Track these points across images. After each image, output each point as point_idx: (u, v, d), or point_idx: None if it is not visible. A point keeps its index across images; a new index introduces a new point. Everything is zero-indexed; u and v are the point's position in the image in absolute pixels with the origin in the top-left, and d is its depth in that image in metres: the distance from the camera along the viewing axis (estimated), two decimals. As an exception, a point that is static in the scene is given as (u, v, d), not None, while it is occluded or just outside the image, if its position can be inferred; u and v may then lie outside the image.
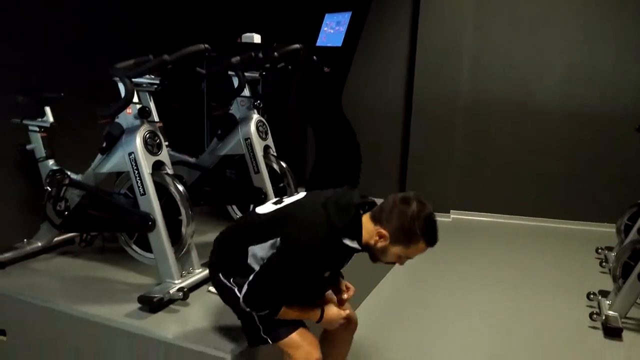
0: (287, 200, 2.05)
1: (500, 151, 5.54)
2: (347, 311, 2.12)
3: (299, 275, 1.88)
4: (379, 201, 1.96)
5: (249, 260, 1.97)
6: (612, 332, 3.19)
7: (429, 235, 1.82)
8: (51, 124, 2.93)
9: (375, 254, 1.91)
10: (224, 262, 2.07)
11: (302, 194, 2.09)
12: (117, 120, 2.67)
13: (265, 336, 1.99)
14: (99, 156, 2.78)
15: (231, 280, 2.01)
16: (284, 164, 3.38)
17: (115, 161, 2.71)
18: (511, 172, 5.55)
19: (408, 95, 5.58)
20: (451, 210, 5.69)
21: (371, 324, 3.16)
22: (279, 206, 2.02)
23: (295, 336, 1.97)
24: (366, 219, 1.89)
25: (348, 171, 4.00)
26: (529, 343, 3.14)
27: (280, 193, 3.34)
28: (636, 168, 5.01)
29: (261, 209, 2.06)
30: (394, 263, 1.93)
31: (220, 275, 2.05)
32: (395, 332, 3.21)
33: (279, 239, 1.89)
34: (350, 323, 2.25)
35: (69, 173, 2.84)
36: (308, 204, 1.98)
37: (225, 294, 2.05)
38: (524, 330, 3.29)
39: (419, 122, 5.51)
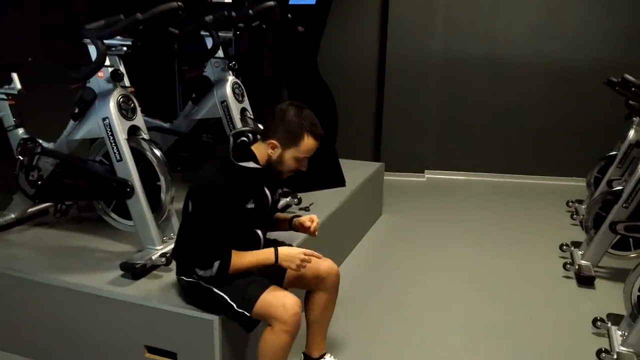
0: None
1: (473, 110, 5.59)
2: (306, 250, 2.12)
3: (221, 214, 1.96)
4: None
5: None
6: (585, 280, 3.31)
7: (312, 128, 2.01)
8: (19, 90, 2.80)
9: (276, 168, 2.06)
10: (182, 261, 2.14)
11: None
12: (88, 84, 2.58)
13: (241, 310, 1.99)
14: (72, 122, 2.69)
15: (193, 276, 2.06)
16: (261, 127, 3.32)
17: (88, 127, 2.63)
18: (483, 130, 5.62)
19: (382, 55, 5.55)
20: (425, 170, 5.75)
21: (352, 280, 3.21)
22: None
23: (266, 295, 1.98)
24: (257, 144, 2.06)
25: (325, 132, 3.98)
26: (505, 294, 3.24)
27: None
28: (605, 121, 5.11)
29: None
30: (295, 170, 2.08)
31: (184, 277, 2.11)
32: (376, 286, 3.27)
33: (190, 200, 2.03)
34: (331, 275, 2.27)
35: (40, 141, 2.75)
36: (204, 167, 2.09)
37: (194, 292, 2.11)
38: (500, 282, 3.39)
39: (392, 82, 5.50)
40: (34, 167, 2.72)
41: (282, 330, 1.93)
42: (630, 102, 3.55)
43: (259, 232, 2.17)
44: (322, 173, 3.89)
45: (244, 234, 2.11)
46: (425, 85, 5.51)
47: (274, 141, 2.00)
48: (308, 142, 2.01)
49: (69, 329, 2.41)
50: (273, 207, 2.25)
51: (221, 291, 2.02)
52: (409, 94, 5.50)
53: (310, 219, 2.27)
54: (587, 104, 5.32)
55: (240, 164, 2.01)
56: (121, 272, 2.43)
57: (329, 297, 2.30)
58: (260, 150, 2.05)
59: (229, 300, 2.00)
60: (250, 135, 2.11)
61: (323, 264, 2.25)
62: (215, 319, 2.10)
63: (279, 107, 2.03)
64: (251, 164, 2.02)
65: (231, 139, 2.04)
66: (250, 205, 2.08)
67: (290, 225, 2.32)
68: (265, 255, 2.04)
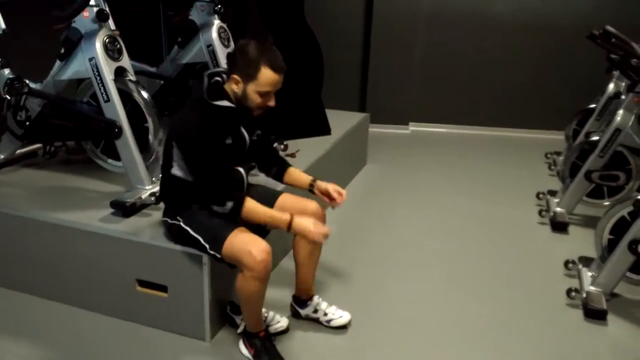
0: None
1: (456, 63, 5.62)
2: (326, 229, 2.06)
3: (209, 151, 2.00)
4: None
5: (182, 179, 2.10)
6: (559, 226, 3.45)
7: (269, 60, 1.96)
8: (3, 30, 2.77)
9: (244, 104, 2.04)
10: (166, 203, 2.22)
11: None
12: (74, 24, 2.58)
13: (212, 252, 2.05)
14: (58, 63, 2.70)
15: (177, 218, 2.13)
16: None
17: (75, 68, 2.65)
18: (467, 84, 5.66)
19: (369, 6, 5.50)
20: (410, 123, 5.81)
21: (336, 224, 3.30)
22: None
23: (234, 239, 2.00)
24: (228, 83, 2.05)
25: (310, 83, 3.99)
26: (480, 237, 3.38)
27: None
28: (585, 76, 5.19)
29: None
30: (263, 106, 2.03)
31: (168, 220, 2.19)
32: (359, 230, 3.37)
33: (174, 142, 2.06)
34: (317, 218, 2.21)
35: (27, 81, 2.74)
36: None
37: (175, 234, 2.19)
38: (477, 227, 3.52)
39: (379, 33, 5.49)
40: (21, 107, 2.73)
41: (251, 277, 1.97)
42: (611, 55, 3.61)
43: (241, 170, 2.19)
44: (308, 121, 3.94)
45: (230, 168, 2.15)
46: (411, 37, 5.51)
47: (235, 76, 1.99)
48: (267, 75, 1.96)
49: (62, 265, 2.47)
50: (251, 146, 2.22)
51: (196, 233, 2.08)
52: (395, 46, 5.50)
53: (339, 192, 2.26)
54: (569, 59, 5.38)
55: (214, 102, 2.03)
56: (112, 210, 2.48)
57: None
58: (228, 87, 2.05)
59: (202, 241, 2.07)
60: (224, 75, 2.09)
61: (309, 207, 2.27)
62: (204, 254, 2.16)
63: (240, 42, 2.03)
64: (225, 103, 2.03)
65: (205, 79, 2.06)
66: (229, 141, 2.09)
67: (311, 187, 2.32)
68: (279, 216, 2.03)
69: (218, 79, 2.09)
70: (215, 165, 2.02)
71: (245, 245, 1.98)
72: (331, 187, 2.28)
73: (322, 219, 2.29)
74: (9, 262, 2.59)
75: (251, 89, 1.99)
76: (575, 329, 2.49)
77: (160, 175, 2.23)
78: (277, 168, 2.37)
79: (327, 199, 2.29)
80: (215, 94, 2.04)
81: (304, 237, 2.07)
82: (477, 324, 2.50)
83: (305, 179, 2.35)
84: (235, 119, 2.10)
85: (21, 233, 2.52)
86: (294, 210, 2.15)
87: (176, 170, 2.10)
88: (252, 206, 2.03)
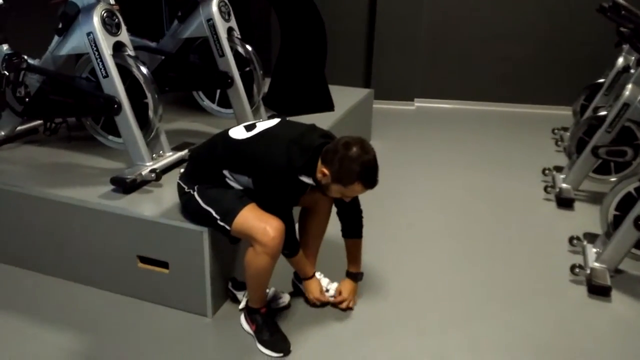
0: (259, 128, 2.12)
1: (463, 38, 5.54)
2: (324, 298, 2.37)
3: (283, 207, 2.07)
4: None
5: (227, 181, 2.13)
6: (564, 202, 3.41)
7: (365, 179, 1.96)
8: (0, 4, 2.75)
9: (322, 189, 2.07)
10: (200, 177, 2.17)
11: (273, 123, 2.16)
12: (71, -2, 2.54)
13: (222, 224, 2.06)
14: (56, 38, 2.66)
15: (194, 187, 2.14)
16: (249, 47, 3.29)
17: (73, 43, 2.61)
18: (473, 59, 5.58)
19: (373, -20, 5.42)
20: (415, 99, 5.75)
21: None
22: (250, 135, 2.10)
23: (248, 214, 2.02)
24: (318, 163, 2.02)
25: (313, 58, 3.93)
26: (486, 213, 3.35)
27: (246, 77, 3.28)
28: (594, 50, 5.10)
29: (235, 133, 2.14)
30: (340, 198, 2.11)
31: (184, 186, 2.19)
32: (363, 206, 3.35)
33: (251, 179, 2.06)
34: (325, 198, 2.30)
35: (25, 57, 2.71)
36: (274, 144, 2.04)
37: (187, 202, 2.18)
38: (483, 202, 3.50)
39: (383, 9, 5.40)
40: (20, 83, 2.70)
41: (263, 252, 1.97)
42: (621, 28, 3.53)
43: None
44: (312, 97, 3.90)
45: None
46: (416, 13, 5.41)
47: (326, 171, 1.96)
48: (357, 188, 1.98)
49: (64, 241, 2.47)
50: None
51: (208, 206, 2.09)
52: (399, 21, 5.41)
53: (342, 297, 2.37)
54: (577, 33, 5.28)
55: (301, 178, 2.04)
56: (112, 187, 2.47)
57: (322, 218, 2.37)
58: (318, 166, 2.02)
59: (214, 213, 2.07)
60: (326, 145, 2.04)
61: (321, 208, 2.34)
62: (205, 230, 2.16)
63: (345, 141, 1.96)
64: (309, 180, 2.05)
65: (310, 152, 1.99)
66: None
67: (347, 272, 2.42)
68: (305, 271, 2.32)
69: (319, 151, 2.02)
70: (285, 216, 2.05)
71: (260, 221, 1.99)
72: (339, 290, 2.39)
73: (328, 215, 2.39)
74: (10, 239, 2.59)
75: (336, 188, 2.00)
76: (579, 305, 2.47)
77: (199, 153, 2.24)
78: (348, 228, 2.37)
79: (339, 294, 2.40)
80: (308, 169, 2.02)
81: (307, 293, 2.37)
82: (480, 299, 2.49)
83: (352, 263, 2.42)
84: (308, 187, 2.16)
85: (22, 210, 2.51)
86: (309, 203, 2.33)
87: (227, 174, 2.11)
88: (297, 259, 2.24)
